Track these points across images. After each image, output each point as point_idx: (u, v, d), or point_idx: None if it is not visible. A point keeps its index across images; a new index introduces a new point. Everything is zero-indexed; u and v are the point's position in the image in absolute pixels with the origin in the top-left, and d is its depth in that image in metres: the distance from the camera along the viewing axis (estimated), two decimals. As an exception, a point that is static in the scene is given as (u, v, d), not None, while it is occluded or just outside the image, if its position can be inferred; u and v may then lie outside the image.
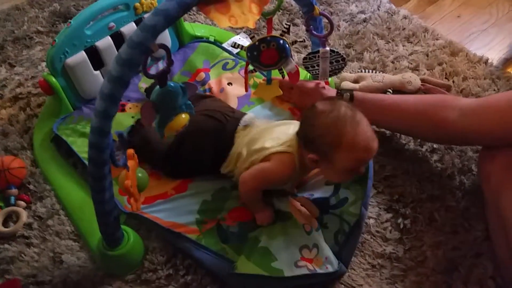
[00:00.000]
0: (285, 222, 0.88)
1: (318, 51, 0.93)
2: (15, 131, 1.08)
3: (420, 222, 0.92)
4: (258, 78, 1.13)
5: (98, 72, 1.09)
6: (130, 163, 0.80)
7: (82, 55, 1.03)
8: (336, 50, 0.94)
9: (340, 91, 1.00)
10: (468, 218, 0.93)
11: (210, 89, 1.14)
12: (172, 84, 0.74)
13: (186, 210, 0.92)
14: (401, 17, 1.35)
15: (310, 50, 1.00)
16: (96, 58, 1.06)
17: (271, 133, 0.89)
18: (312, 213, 0.89)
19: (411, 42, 1.28)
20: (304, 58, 0.96)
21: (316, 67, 0.97)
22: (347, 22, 1.34)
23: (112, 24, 1.06)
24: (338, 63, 0.96)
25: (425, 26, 1.32)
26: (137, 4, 1.08)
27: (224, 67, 1.19)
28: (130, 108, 1.11)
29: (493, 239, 0.88)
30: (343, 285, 0.85)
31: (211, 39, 1.27)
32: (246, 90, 0.98)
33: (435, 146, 1.04)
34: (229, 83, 1.14)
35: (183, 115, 0.80)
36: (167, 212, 0.92)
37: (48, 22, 1.35)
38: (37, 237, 0.91)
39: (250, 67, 0.90)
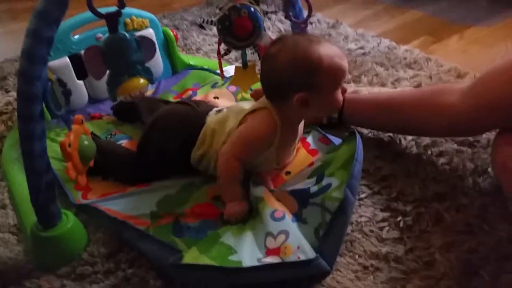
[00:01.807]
0: (255, 219, 0.73)
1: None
2: (-10, 140, 1.04)
3: (425, 221, 0.75)
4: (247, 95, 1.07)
5: (81, 82, 1.07)
6: (75, 127, 0.72)
7: (65, 60, 1.02)
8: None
9: None
10: (486, 218, 0.74)
11: (194, 104, 1.08)
12: (125, 33, 0.70)
13: (142, 202, 0.79)
14: (402, 51, 1.31)
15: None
16: (80, 67, 1.05)
17: (242, 105, 0.82)
18: (290, 207, 0.74)
19: (413, 68, 1.21)
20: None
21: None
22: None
23: (100, 35, 1.07)
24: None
25: (428, 56, 1.26)
26: (128, 20, 1.09)
27: (213, 86, 1.14)
28: (107, 118, 1.06)
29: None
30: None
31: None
32: (222, 78, 0.91)
33: (442, 149, 0.89)
34: (215, 97, 1.08)
35: (141, 80, 0.74)
36: (121, 205, 0.79)
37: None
38: (-27, 230, 0.80)
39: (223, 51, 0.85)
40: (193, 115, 0.84)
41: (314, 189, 0.75)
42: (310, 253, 0.66)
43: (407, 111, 0.84)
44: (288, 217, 0.71)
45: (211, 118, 0.83)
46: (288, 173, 0.85)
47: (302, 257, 0.65)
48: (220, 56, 0.85)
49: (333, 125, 0.95)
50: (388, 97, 0.89)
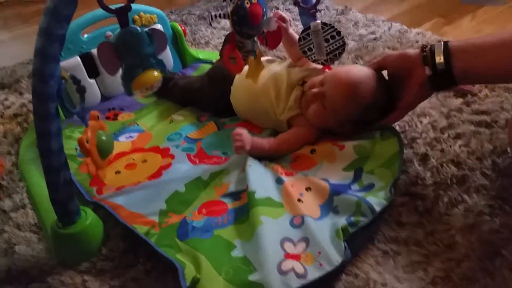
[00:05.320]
0: (263, 215, 0.71)
1: (309, 27, 0.87)
2: (7, 142, 1.05)
3: (445, 204, 0.74)
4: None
5: (93, 81, 1.08)
6: (92, 123, 0.72)
7: (76, 60, 1.03)
8: (329, 23, 0.87)
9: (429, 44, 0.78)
10: (506, 199, 0.73)
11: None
12: (136, 27, 0.69)
13: (152, 199, 0.79)
14: (414, 34, 1.28)
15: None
16: (91, 66, 1.06)
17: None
18: (320, 194, 0.74)
19: (426, 51, 1.19)
20: (299, 40, 0.89)
21: (314, 50, 0.89)
22: (356, 41, 1.30)
23: (109, 33, 1.07)
24: (334, 40, 0.87)
25: (441, 38, 1.24)
26: (136, 17, 1.10)
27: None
28: (122, 117, 1.07)
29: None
30: (344, 274, 0.65)
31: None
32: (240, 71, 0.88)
33: (459, 131, 0.88)
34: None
35: (155, 73, 0.74)
36: (133, 200, 0.79)
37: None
38: (-5, 230, 0.81)
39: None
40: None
41: (355, 187, 0.75)
42: (333, 257, 0.64)
43: None
44: (310, 218, 0.70)
45: None
46: (313, 150, 0.85)
47: (324, 264, 0.63)
48: (230, 51, 0.83)
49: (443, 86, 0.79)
50: (495, 40, 0.72)
